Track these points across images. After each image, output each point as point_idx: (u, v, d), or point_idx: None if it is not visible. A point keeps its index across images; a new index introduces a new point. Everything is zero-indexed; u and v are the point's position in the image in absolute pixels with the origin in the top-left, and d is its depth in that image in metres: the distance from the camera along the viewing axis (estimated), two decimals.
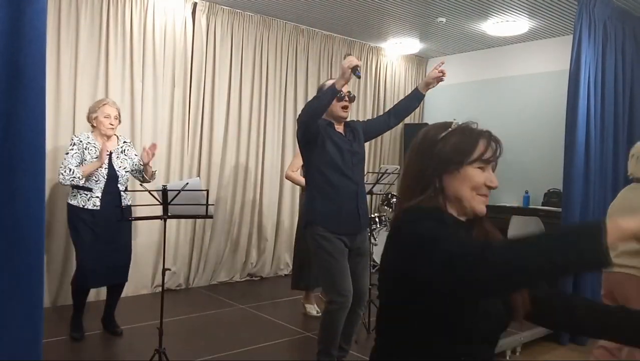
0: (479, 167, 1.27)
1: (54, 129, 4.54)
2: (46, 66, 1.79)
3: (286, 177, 4.74)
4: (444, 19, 5.71)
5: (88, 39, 4.76)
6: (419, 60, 7.59)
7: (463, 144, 1.28)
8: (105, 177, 3.77)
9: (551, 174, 5.62)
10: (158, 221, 3.34)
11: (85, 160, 3.71)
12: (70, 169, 3.62)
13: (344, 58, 2.87)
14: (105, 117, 3.78)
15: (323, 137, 3.13)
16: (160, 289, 3.29)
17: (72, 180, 3.64)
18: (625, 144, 4.45)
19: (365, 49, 6.97)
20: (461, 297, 1.13)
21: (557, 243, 0.97)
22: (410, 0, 5.16)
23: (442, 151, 1.27)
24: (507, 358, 3.89)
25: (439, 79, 3.26)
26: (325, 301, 3.20)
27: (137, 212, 3.58)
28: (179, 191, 3.14)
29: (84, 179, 3.66)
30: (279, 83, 6.11)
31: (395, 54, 7.25)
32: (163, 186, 3.23)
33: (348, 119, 3.32)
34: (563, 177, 4.26)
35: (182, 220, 5.22)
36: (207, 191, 3.27)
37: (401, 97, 7.37)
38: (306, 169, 3.30)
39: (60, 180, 3.67)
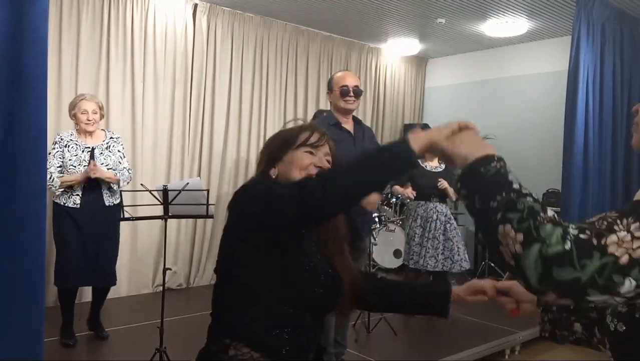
0: (306, 152, 1.42)
1: (55, 129, 4.54)
2: (47, 67, 1.80)
3: None
4: (443, 20, 5.73)
5: (89, 40, 4.78)
6: (418, 61, 7.61)
7: (287, 135, 1.47)
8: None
9: (550, 175, 5.63)
10: (159, 220, 3.35)
11: (63, 158, 3.59)
12: (50, 175, 3.48)
13: None
14: (82, 113, 3.62)
15: None
16: (161, 288, 3.30)
17: (50, 187, 3.50)
18: (624, 145, 4.47)
19: (365, 49, 6.98)
20: (306, 225, 1.30)
21: (374, 159, 1.14)
22: (409, 1, 5.18)
23: (273, 145, 1.49)
24: (506, 357, 3.90)
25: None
26: None
27: (138, 212, 3.58)
28: (180, 191, 3.16)
29: (60, 189, 3.55)
30: (279, 84, 6.13)
31: (395, 55, 7.26)
32: (164, 186, 3.24)
33: (353, 119, 3.28)
34: (562, 177, 4.28)
35: (183, 220, 5.23)
36: (208, 191, 3.29)
37: (400, 98, 7.50)
38: None
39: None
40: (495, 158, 0.92)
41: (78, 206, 3.62)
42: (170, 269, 3.64)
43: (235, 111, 5.75)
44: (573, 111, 4.13)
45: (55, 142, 3.61)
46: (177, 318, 4.33)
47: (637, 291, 0.78)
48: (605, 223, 0.81)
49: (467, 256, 4.83)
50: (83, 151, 3.64)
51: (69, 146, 3.63)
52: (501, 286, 1.33)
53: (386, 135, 7.30)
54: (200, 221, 5.48)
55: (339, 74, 3.29)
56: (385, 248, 6.47)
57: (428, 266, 4.72)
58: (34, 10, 1.72)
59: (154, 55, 5.15)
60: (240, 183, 5.81)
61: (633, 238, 0.78)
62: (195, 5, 5.41)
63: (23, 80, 1.72)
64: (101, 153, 3.69)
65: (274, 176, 1.42)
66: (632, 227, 0.79)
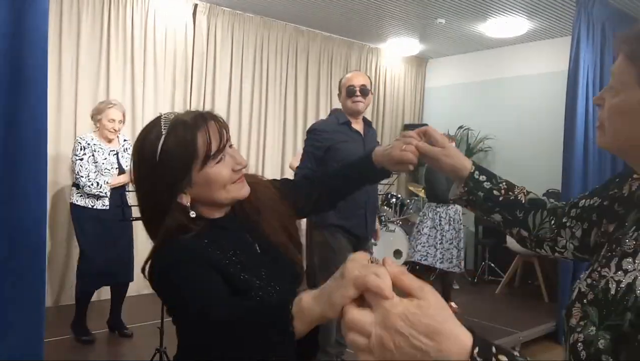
0: (216, 163, 1.14)
1: (55, 130, 4.55)
2: (47, 67, 1.80)
3: (290, 166, 4.73)
4: (443, 20, 5.73)
5: (89, 40, 4.79)
6: (418, 61, 7.61)
7: (181, 152, 1.11)
8: (117, 176, 3.80)
9: (549, 175, 5.63)
10: None
11: (97, 162, 3.71)
12: (97, 184, 3.65)
13: None
14: (109, 121, 3.74)
15: (334, 143, 3.10)
16: None
17: (99, 193, 3.68)
18: None
19: (364, 50, 6.98)
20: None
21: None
22: (409, 1, 5.18)
23: (164, 172, 1.12)
24: None
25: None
26: None
27: (138, 212, 3.57)
28: None
29: (105, 191, 3.70)
30: (279, 84, 6.13)
31: (395, 55, 7.26)
32: None
33: (364, 120, 3.32)
34: (561, 177, 4.28)
35: None
36: None
37: (401, 98, 7.50)
38: None
39: (83, 186, 3.66)
40: None
41: (107, 207, 3.74)
42: None
43: (235, 111, 5.75)
44: (573, 111, 4.13)
45: (84, 147, 3.71)
46: None
47: None
48: None
49: (459, 262, 4.83)
50: (109, 154, 3.79)
51: (96, 150, 3.74)
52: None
53: (386, 135, 7.31)
54: None
55: (348, 75, 3.30)
56: (385, 248, 6.47)
57: (441, 264, 4.79)
58: (34, 10, 1.72)
59: (154, 55, 5.15)
60: None
61: None
62: (195, 6, 5.41)
63: (23, 80, 1.72)
64: (122, 156, 3.86)
65: (187, 203, 1.15)
66: None
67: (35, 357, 1.83)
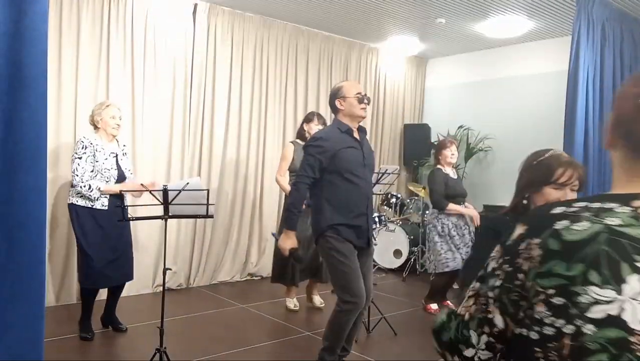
0: (555, 188, 1.73)
1: (55, 129, 4.56)
2: (47, 67, 1.80)
3: (276, 181, 4.78)
4: (443, 20, 5.73)
5: (89, 39, 4.78)
6: (418, 60, 7.61)
7: (547, 169, 1.76)
8: (115, 178, 3.84)
9: None
10: (159, 221, 3.36)
11: (96, 162, 3.75)
12: (89, 186, 3.68)
13: None
14: (111, 117, 3.86)
15: (338, 150, 3.13)
16: (161, 288, 3.30)
17: (90, 195, 3.71)
18: None
19: (365, 49, 6.98)
20: None
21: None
22: (410, 0, 5.18)
23: (535, 173, 1.79)
24: None
25: None
26: (338, 301, 3.14)
27: (138, 212, 3.59)
28: (180, 190, 3.16)
29: (96, 195, 3.72)
30: (279, 84, 6.13)
31: (395, 55, 7.26)
32: (164, 186, 3.25)
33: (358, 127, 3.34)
34: None
35: (183, 220, 5.24)
36: (208, 190, 3.29)
37: (401, 98, 7.50)
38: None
39: (75, 185, 3.71)
40: None
41: (106, 207, 3.79)
42: (170, 269, 3.65)
43: (235, 110, 5.75)
44: (573, 111, 4.13)
45: (85, 147, 3.74)
46: (177, 318, 4.34)
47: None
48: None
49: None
50: (110, 156, 3.84)
51: (98, 150, 3.79)
52: None
53: (386, 135, 7.31)
54: (200, 221, 5.48)
55: (348, 82, 3.32)
56: (386, 248, 6.47)
57: (459, 266, 4.66)
58: (34, 9, 1.72)
59: (154, 55, 5.15)
60: (240, 182, 5.83)
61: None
62: (195, 5, 5.41)
63: (23, 79, 1.72)
64: (121, 159, 3.94)
65: (525, 202, 1.78)
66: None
67: (35, 357, 1.83)
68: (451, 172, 4.87)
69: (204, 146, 5.56)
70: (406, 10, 5.46)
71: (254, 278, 5.99)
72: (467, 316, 0.94)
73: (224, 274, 5.76)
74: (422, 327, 4.51)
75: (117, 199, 3.74)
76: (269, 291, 5.46)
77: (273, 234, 3.98)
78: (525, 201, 1.78)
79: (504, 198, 6.63)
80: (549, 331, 0.80)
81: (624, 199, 0.82)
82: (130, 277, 4.02)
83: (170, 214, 3.23)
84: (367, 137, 3.55)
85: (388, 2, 5.23)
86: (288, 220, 3.16)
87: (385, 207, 6.61)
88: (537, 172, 1.78)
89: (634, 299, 0.74)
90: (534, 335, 0.82)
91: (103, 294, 4.13)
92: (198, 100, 5.48)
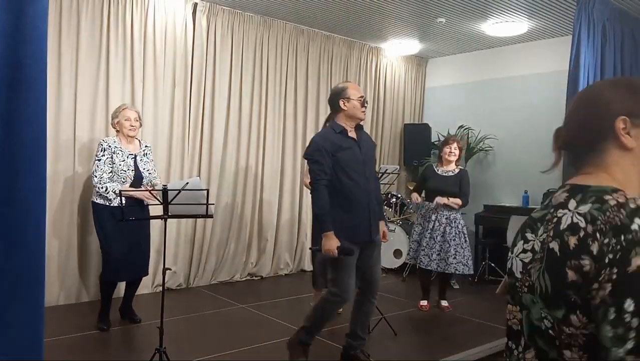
0: None
1: (54, 129, 4.56)
2: (47, 67, 1.80)
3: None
4: (443, 20, 5.73)
5: (89, 39, 4.78)
6: (418, 60, 7.61)
7: None
8: (132, 178, 4.04)
9: (550, 175, 5.63)
10: (158, 220, 3.36)
11: (113, 163, 3.95)
12: (106, 188, 3.91)
13: None
14: (125, 119, 4.05)
15: (336, 150, 3.22)
16: (160, 288, 3.30)
17: (107, 195, 3.93)
18: None
19: (365, 49, 6.98)
20: None
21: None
22: (410, 0, 5.18)
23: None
24: None
25: None
26: (327, 291, 3.32)
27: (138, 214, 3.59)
28: (180, 190, 3.15)
29: (117, 198, 3.86)
30: (279, 83, 6.13)
31: (395, 55, 7.26)
32: (163, 185, 3.24)
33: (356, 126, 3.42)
34: (562, 177, 4.27)
35: (183, 220, 5.24)
36: (207, 190, 3.28)
37: (401, 98, 7.50)
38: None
39: (94, 186, 3.96)
40: None
41: (124, 205, 3.95)
42: (170, 269, 3.65)
43: (235, 110, 5.74)
44: None
45: (104, 149, 3.98)
46: (177, 318, 4.34)
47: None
48: None
49: (469, 261, 4.84)
50: (128, 157, 4.04)
51: (116, 152, 4.00)
52: None
53: (386, 134, 7.31)
54: (200, 221, 5.48)
55: (351, 84, 3.44)
56: (386, 248, 6.47)
57: (421, 263, 4.85)
58: (34, 9, 1.72)
59: (154, 55, 5.14)
60: (241, 183, 5.83)
61: None
62: (195, 5, 5.41)
63: (22, 79, 1.72)
64: (140, 160, 4.13)
65: None
66: None
67: (35, 357, 1.83)
68: (446, 170, 4.91)
69: (204, 146, 5.56)
70: (406, 10, 5.46)
71: (254, 278, 5.99)
72: None
73: (223, 274, 5.76)
74: (422, 327, 4.51)
75: (132, 199, 3.96)
76: (268, 291, 5.46)
77: (311, 248, 4.06)
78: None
79: (504, 197, 6.66)
80: None
81: (557, 191, 1.12)
82: (145, 272, 4.24)
83: (169, 213, 3.23)
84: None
85: (388, 2, 5.23)
86: (322, 223, 3.22)
87: (385, 207, 6.61)
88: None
89: (516, 256, 1.09)
90: None
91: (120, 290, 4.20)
92: (198, 100, 5.48)
